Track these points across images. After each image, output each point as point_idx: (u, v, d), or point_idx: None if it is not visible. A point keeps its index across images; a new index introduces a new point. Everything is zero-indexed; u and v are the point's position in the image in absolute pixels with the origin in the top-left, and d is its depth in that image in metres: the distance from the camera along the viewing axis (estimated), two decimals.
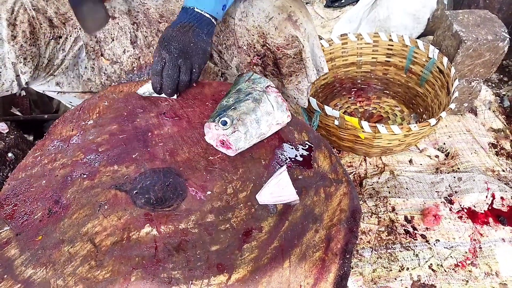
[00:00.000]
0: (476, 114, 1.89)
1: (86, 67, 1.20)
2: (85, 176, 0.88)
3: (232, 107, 0.93)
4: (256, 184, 0.88)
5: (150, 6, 1.18)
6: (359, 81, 1.96)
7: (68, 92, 1.21)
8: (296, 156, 0.94)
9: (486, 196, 1.51)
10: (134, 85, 1.10)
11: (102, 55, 1.20)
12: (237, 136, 0.90)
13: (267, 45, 1.12)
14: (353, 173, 1.63)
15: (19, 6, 1.06)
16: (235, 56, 1.20)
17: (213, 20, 1.05)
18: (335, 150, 1.69)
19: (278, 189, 0.82)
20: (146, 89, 1.06)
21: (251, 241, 0.78)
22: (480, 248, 1.39)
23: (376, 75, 1.94)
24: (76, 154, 0.92)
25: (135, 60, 1.22)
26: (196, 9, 1.02)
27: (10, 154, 1.31)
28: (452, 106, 1.47)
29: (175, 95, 1.05)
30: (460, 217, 1.47)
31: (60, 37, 1.14)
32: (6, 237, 0.78)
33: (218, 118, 0.91)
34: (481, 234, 1.42)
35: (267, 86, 0.97)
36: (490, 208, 1.49)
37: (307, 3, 2.74)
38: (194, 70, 1.03)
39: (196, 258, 0.75)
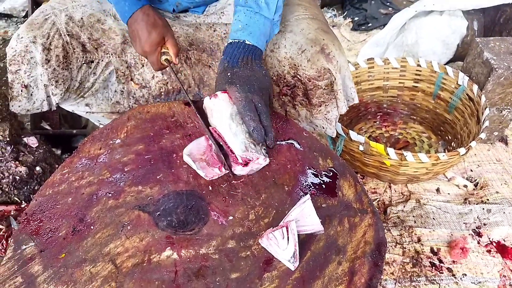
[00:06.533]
0: (506, 143, 1.83)
1: (115, 91, 1.23)
2: (110, 195, 0.89)
3: None
4: (278, 211, 0.86)
5: (180, 35, 1.21)
6: (385, 106, 1.94)
7: (97, 112, 1.24)
8: (320, 183, 0.93)
9: None
10: (162, 106, 1.11)
11: (132, 79, 1.23)
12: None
13: (298, 76, 1.13)
14: (377, 200, 1.59)
15: (55, 31, 1.10)
16: None
17: (262, 51, 1.05)
18: (358, 175, 1.67)
19: (302, 218, 0.81)
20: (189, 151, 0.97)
21: (271, 270, 0.76)
22: (510, 285, 1.32)
23: (403, 100, 1.91)
24: (103, 173, 0.94)
25: (163, 86, 1.24)
26: (247, 42, 1.02)
27: (38, 168, 1.34)
28: (483, 135, 1.43)
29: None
30: (489, 251, 1.41)
31: (92, 61, 1.17)
32: (30, 253, 0.79)
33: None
34: (511, 271, 1.36)
35: None
36: None
37: (333, 26, 2.75)
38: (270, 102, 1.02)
39: (216, 285, 0.74)
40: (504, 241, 1.43)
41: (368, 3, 2.82)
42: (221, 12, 1.22)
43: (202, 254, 0.79)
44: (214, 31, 1.21)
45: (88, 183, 0.92)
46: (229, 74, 0.98)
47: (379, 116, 1.95)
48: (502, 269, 1.36)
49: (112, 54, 1.18)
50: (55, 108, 1.19)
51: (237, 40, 1.02)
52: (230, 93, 0.97)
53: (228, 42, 1.03)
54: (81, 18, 1.13)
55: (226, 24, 1.22)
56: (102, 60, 1.18)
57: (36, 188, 1.32)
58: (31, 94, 1.13)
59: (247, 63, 1.00)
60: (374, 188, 1.63)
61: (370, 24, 2.71)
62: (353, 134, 1.43)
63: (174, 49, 1.07)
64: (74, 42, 1.13)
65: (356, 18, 2.76)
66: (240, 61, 0.99)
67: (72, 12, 1.13)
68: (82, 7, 1.15)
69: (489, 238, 1.44)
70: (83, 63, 1.16)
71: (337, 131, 1.45)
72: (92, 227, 0.83)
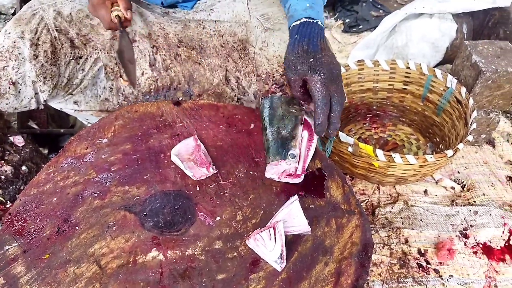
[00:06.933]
0: (494, 146, 1.85)
1: (104, 87, 1.22)
2: (96, 195, 0.88)
3: (290, 137, 0.93)
4: (266, 212, 0.86)
5: (169, 31, 1.20)
6: (374, 108, 1.95)
7: (86, 110, 1.23)
8: (308, 184, 0.93)
9: (503, 232, 1.46)
10: (150, 105, 1.11)
11: (121, 76, 1.22)
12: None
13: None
14: (366, 201, 1.60)
15: (43, 26, 1.09)
16: (253, 83, 1.21)
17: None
18: (347, 177, 1.67)
19: (289, 219, 0.81)
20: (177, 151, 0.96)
21: (258, 271, 0.76)
22: (496, 286, 1.33)
23: (392, 102, 1.92)
24: (89, 173, 0.93)
25: (153, 82, 1.23)
26: (319, 22, 0.96)
27: (24, 167, 1.32)
28: (470, 138, 1.44)
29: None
30: (475, 253, 1.42)
31: (81, 57, 1.16)
32: (13, 253, 0.78)
33: (285, 153, 0.90)
34: (497, 272, 1.37)
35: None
36: (506, 244, 1.44)
37: (325, 27, 2.76)
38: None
39: (202, 287, 0.73)
40: (490, 242, 1.45)
41: (359, 5, 2.84)
42: (210, 9, 1.22)
43: (188, 255, 0.78)
44: (203, 28, 1.21)
45: (74, 183, 0.91)
46: (312, 60, 0.91)
47: (368, 118, 1.96)
48: (487, 270, 1.37)
49: (100, 50, 1.17)
50: (43, 106, 1.18)
51: (309, 20, 0.95)
52: (312, 82, 0.91)
53: (300, 20, 0.95)
54: (70, 13, 1.12)
55: (215, 21, 1.21)
56: (91, 56, 1.16)
57: (22, 187, 1.30)
58: (19, 92, 1.12)
59: (325, 47, 0.94)
60: (363, 190, 1.64)
61: (361, 26, 2.72)
62: (342, 136, 1.43)
63: (124, 3, 1.00)
64: (62, 38, 1.11)
65: (347, 20, 2.78)
66: (319, 44, 0.93)
67: (61, 7, 1.12)
68: (71, 2, 1.14)
69: (475, 240, 1.45)
70: (71, 59, 1.14)
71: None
72: (77, 228, 0.82)
